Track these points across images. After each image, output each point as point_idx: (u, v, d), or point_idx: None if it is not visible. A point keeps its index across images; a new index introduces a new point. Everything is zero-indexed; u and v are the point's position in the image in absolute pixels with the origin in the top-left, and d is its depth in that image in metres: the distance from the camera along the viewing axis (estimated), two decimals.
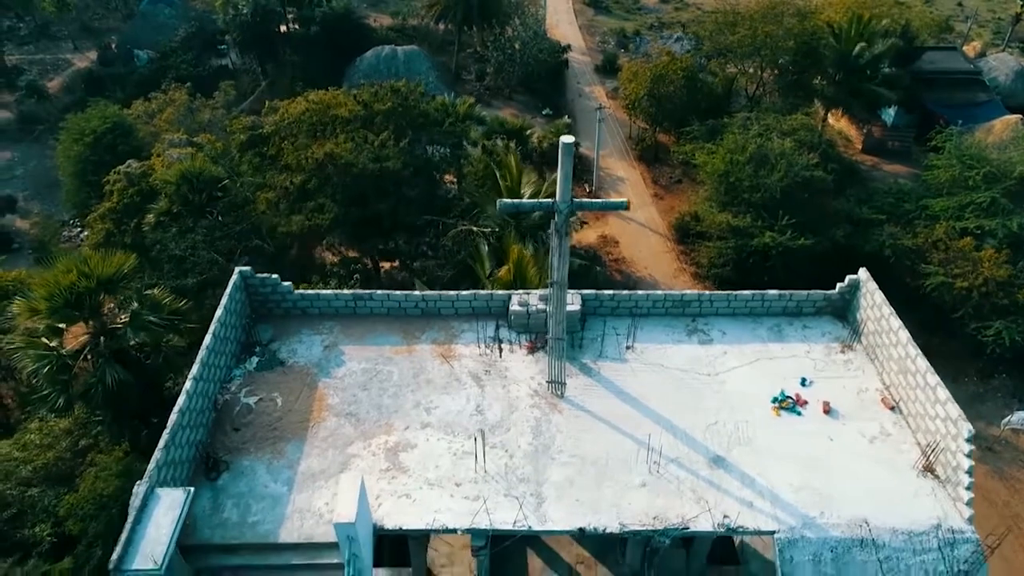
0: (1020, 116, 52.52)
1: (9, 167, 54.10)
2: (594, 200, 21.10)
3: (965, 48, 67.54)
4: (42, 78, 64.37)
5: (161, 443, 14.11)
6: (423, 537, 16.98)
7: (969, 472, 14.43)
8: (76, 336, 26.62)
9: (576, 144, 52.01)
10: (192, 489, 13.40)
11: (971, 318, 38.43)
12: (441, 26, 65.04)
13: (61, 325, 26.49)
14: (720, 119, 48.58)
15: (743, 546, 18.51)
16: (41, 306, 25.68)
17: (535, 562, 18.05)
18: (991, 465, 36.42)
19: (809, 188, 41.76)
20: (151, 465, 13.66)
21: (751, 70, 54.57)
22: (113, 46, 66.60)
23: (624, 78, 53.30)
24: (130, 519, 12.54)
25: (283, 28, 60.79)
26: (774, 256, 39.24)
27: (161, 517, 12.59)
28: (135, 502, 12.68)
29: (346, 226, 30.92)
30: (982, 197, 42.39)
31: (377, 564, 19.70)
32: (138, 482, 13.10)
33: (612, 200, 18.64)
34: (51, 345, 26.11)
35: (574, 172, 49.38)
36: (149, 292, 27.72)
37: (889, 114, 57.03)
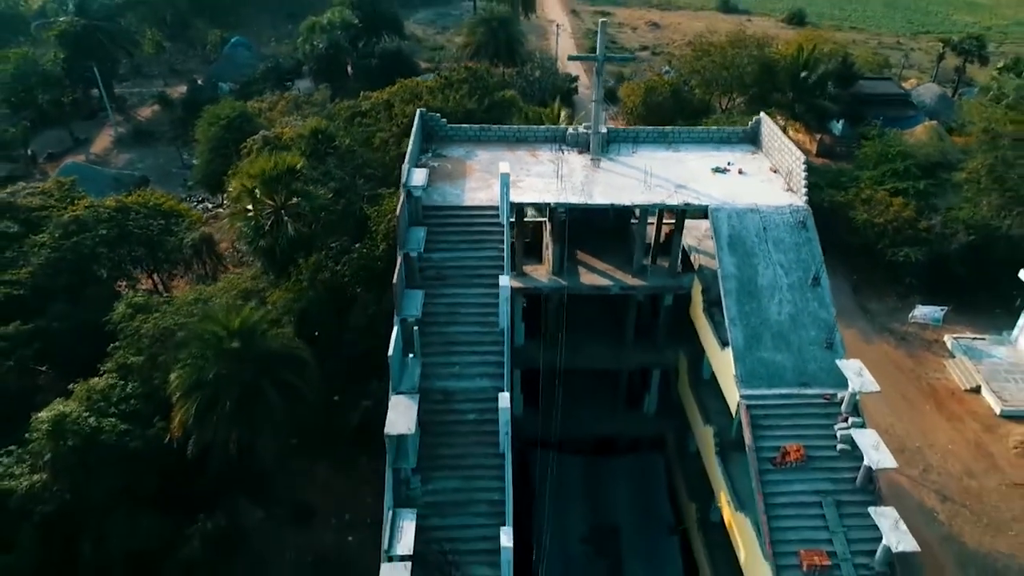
0: (936, 122, 70.65)
1: (131, 163, 71.16)
2: (615, 55, 37.57)
3: (905, 84, 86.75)
4: (141, 105, 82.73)
5: (405, 164, 30.11)
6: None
7: (806, 180, 30.49)
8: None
9: None
10: (427, 171, 29.27)
11: (888, 247, 54.87)
12: (472, 64, 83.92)
13: (248, 207, 42.91)
14: (699, 120, 66.38)
15: (700, 267, 33.94)
16: (251, 183, 42.21)
17: (582, 268, 33.73)
18: (904, 349, 52.10)
19: None
20: (406, 165, 29.64)
21: (722, 88, 72.88)
22: (200, 80, 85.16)
23: (624, 93, 71.56)
24: (405, 176, 28.50)
25: (349, 63, 79.43)
26: None
27: (417, 173, 28.52)
28: (404, 174, 28.58)
29: None
30: (898, 165, 59.86)
31: None
32: (405, 166, 28.88)
33: (627, 55, 35.26)
34: (249, 215, 42.58)
35: None
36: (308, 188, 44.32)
37: (837, 127, 75.08)
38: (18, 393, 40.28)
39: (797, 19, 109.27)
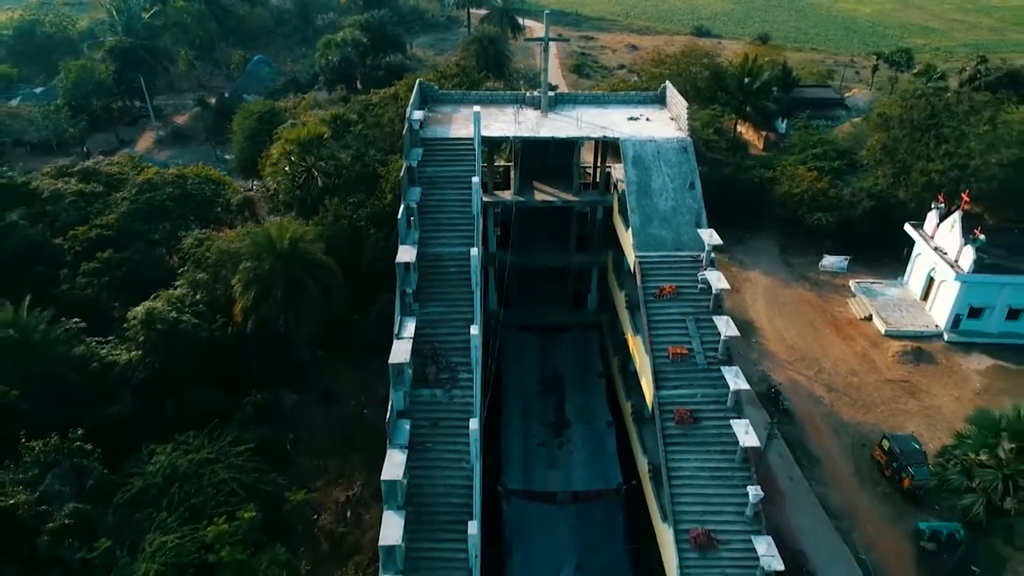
0: (859, 118, 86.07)
1: (172, 159, 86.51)
2: (558, 37, 53.31)
3: (849, 93, 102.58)
4: (175, 114, 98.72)
5: (408, 109, 45.01)
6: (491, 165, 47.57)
7: (688, 118, 45.45)
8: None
9: None
10: (423, 111, 44.14)
11: (806, 213, 69.58)
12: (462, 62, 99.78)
13: (286, 168, 57.99)
14: None
15: (622, 191, 48.56)
16: (289, 147, 57.34)
17: (537, 191, 48.45)
18: (816, 292, 66.50)
19: (707, 147, 74.09)
20: (409, 109, 44.54)
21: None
22: (226, 93, 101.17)
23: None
24: (408, 113, 43.42)
25: (358, 76, 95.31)
26: None
27: (416, 112, 43.56)
28: (408, 113, 43.52)
29: None
30: (818, 149, 75.02)
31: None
32: (408, 110, 43.82)
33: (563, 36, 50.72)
34: (286, 171, 57.60)
35: None
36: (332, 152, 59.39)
37: (782, 126, 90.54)
38: (108, 307, 54.84)
39: (763, 41, 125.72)
